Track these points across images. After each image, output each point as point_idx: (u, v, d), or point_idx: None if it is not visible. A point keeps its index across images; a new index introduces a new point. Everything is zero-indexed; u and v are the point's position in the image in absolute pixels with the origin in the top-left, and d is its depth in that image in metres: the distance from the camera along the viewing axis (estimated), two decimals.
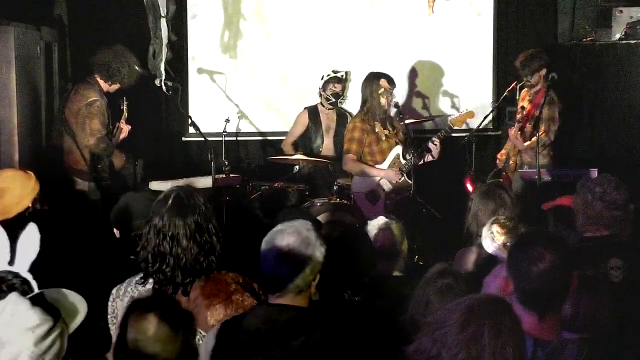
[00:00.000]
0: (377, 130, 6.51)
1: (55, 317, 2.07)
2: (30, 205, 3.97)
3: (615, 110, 7.54)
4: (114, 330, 3.20)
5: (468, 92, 7.91)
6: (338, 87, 7.20)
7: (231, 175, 6.71)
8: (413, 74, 7.93)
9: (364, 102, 6.58)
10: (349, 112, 7.39)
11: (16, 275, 2.19)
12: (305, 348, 2.58)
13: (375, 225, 4.14)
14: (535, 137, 6.11)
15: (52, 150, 6.58)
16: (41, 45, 6.74)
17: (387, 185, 6.53)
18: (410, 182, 6.27)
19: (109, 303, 3.23)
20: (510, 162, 6.66)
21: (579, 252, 3.61)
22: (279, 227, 2.81)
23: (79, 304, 2.25)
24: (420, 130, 7.53)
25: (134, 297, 3.14)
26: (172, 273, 3.07)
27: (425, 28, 7.90)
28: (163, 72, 6.63)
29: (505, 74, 7.91)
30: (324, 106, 7.27)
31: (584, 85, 7.69)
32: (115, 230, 3.99)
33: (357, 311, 3.23)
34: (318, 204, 6.31)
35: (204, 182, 6.37)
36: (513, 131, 6.59)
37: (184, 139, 7.80)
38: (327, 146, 7.24)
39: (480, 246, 3.92)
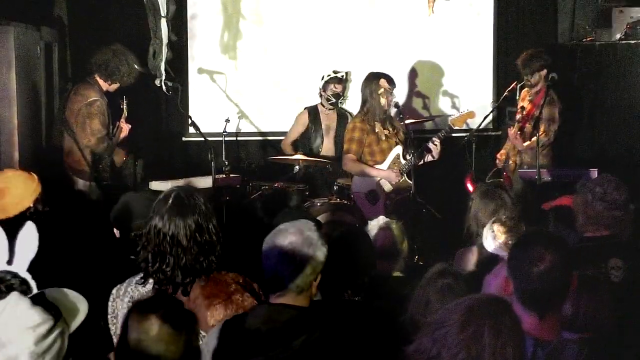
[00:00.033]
0: (377, 130, 6.51)
1: (56, 317, 2.07)
2: (31, 205, 3.97)
3: (615, 110, 7.54)
4: (114, 330, 3.20)
5: (468, 92, 7.91)
6: (338, 88, 7.20)
7: (231, 175, 6.71)
8: (413, 74, 7.93)
9: (363, 102, 6.58)
10: (349, 112, 7.39)
11: (15, 275, 2.19)
12: (306, 348, 2.58)
13: (375, 224, 4.15)
14: (535, 138, 6.11)
15: (52, 150, 6.58)
16: (41, 45, 6.74)
17: (387, 186, 6.53)
18: (410, 182, 6.27)
19: (109, 303, 3.23)
20: (510, 162, 6.66)
21: (579, 252, 3.61)
22: (281, 226, 2.82)
23: (80, 304, 2.25)
24: (421, 130, 7.53)
25: (134, 297, 3.15)
26: (172, 273, 3.07)
27: (425, 28, 7.90)
28: (163, 72, 6.64)
29: (505, 74, 7.91)
30: (324, 106, 7.27)
31: (584, 85, 7.69)
32: (115, 230, 3.99)
33: (357, 311, 3.23)
34: (318, 204, 6.31)
35: (204, 182, 6.37)
36: (512, 131, 6.59)
37: (184, 139, 7.80)
38: (327, 146, 7.24)
39: (481, 246, 3.92)
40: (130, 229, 3.82)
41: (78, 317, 2.20)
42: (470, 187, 6.56)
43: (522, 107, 6.69)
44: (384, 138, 6.53)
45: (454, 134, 6.91)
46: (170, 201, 3.10)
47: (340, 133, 7.07)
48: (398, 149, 6.54)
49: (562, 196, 4.47)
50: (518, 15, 8.10)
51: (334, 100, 7.18)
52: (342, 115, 7.30)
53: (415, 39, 7.89)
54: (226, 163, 6.69)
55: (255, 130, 7.91)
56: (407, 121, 6.57)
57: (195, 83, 7.75)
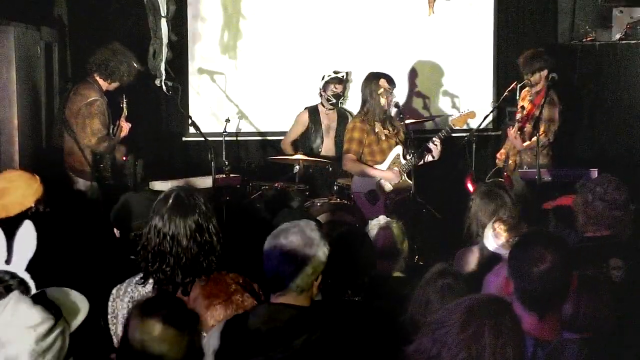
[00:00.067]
0: (377, 130, 6.51)
1: (57, 316, 2.07)
2: (33, 205, 3.98)
3: (615, 110, 7.54)
4: (114, 330, 3.20)
5: (468, 92, 7.91)
6: (339, 88, 7.20)
7: (231, 175, 6.71)
8: (413, 74, 7.93)
9: (363, 102, 6.58)
10: (349, 112, 7.39)
11: (13, 276, 2.19)
12: (306, 347, 2.58)
13: (376, 224, 4.15)
14: (535, 138, 6.11)
15: (53, 151, 6.58)
16: (41, 45, 6.74)
17: (387, 185, 6.53)
18: (410, 182, 6.27)
19: (109, 303, 3.23)
20: (510, 161, 6.66)
21: (579, 252, 3.61)
22: (283, 226, 2.82)
23: (81, 303, 2.25)
24: (421, 130, 7.53)
25: (134, 298, 3.15)
26: (172, 272, 3.07)
27: (425, 28, 7.90)
28: (163, 72, 6.64)
29: (505, 74, 7.91)
30: (324, 106, 7.27)
31: (584, 85, 7.69)
32: (115, 230, 3.99)
33: (357, 311, 3.23)
34: (318, 204, 6.31)
35: (204, 182, 6.38)
36: (512, 131, 6.59)
37: (184, 139, 7.80)
38: (327, 146, 7.24)
39: (482, 245, 3.92)
40: (131, 229, 3.82)
41: (79, 317, 2.20)
42: (470, 187, 6.56)
43: (522, 107, 6.69)
44: (384, 138, 6.53)
45: (454, 134, 6.90)
46: (170, 201, 3.10)
47: (340, 133, 7.07)
48: (398, 149, 6.54)
49: (562, 196, 4.47)
50: (518, 15, 8.10)
51: (334, 100, 7.18)
52: (343, 115, 7.30)
53: (415, 39, 7.90)
54: (226, 163, 6.69)
55: (255, 130, 7.91)
56: (407, 121, 6.57)
57: (195, 83, 7.75)
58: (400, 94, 7.28)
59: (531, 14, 8.08)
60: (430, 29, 7.89)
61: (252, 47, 7.79)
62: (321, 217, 5.90)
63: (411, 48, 7.89)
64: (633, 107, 7.39)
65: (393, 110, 6.45)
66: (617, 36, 7.47)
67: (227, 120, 7.04)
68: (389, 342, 2.84)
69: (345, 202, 6.46)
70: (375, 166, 6.54)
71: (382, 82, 6.43)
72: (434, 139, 6.48)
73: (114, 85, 6.43)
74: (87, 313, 2.24)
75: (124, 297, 3.18)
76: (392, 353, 2.60)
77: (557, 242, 2.73)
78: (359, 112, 6.65)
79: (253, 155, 7.88)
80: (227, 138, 6.99)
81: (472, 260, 4.00)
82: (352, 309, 3.26)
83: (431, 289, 3.09)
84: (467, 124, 7.01)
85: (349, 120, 6.91)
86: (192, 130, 6.71)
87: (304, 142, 7.32)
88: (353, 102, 7.40)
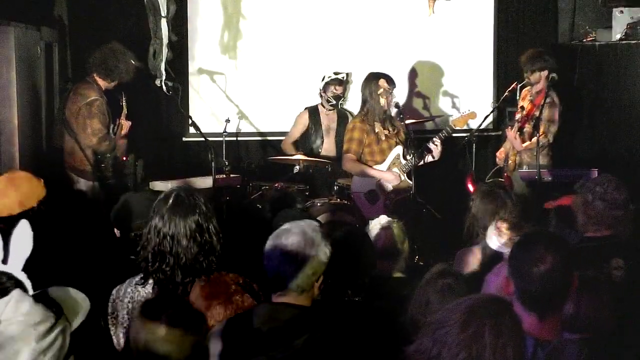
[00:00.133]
0: (377, 130, 6.51)
1: (58, 314, 2.07)
2: (35, 206, 3.99)
3: (615, 110, 7.54)
4: (113, 331, 3.20)
5: (468, 92, 7.91)
6: (339, 90, 7.20)
7: (231, 175, 6.71)
8: (413, 74, 7.93)
9: (363, 102, 6.58)
10: (349, 112, 7.39)
11: (10, 277, 2.19)
12: (307, 347, 2.58)
13: (377, 224, 4.14)
14: (535, 139, 6.12)
15: (53, 151, 6.58)
16: (41, 45, 6.73)
17: (387, 185, 6.53)
18: (410, 182, 6.27)
19: (109, 304, 3.23)
20: (510, 161, 6.66)
21: (579, 253, 3.60)
22: (285, 226, 2.83)
23: (82, 302, 2.25)
24: (421, 130, 7.53)
25: (134, 298, 3.15)
26: (172, 272, 3.07)
27: (425, 28, 7.90)
28: (163, 72, 6.63)
29: (505, 74, 7.92)
30: (324, 107, 7.27)
31: (584, 85, 7.69)
32: (115, 230, 3.99)
33: (357, 311, 3.23)
34: (318, 204, 6.31)
35: (205, 182, 6.38)
36: (511, 132, 6.59)
37: (184, 139, 7.79)
38: (327, 146, 7.24)
39: (483, 245, 3.92)
40: (131, 228, 3.82)
41: (80, 315, 2.21)
42: (470, 187, 6.56)
43: (522, 108, 6.69)
44: (383, 138, 6.53)
45: (454, 134, 6.91)
46: (170, 201, 3.10)
47: (340, 133, 7.07)
48: (398, 149, 6.54)
49: (563, 196, 4.47)
50: (518, 15, 8.11)
51: (334, 102, 7.19)
52: (343, 115, 7.30)
53: (415, 39, 7.90)
54: (226, 163, 6.69)
55: (255, 130, 7.91)
56: (408, 121, 6.56)
57: (195, 83, 7.75)
58: (400, 94, 7.29)
59: (531, 14, 8.09)
60: (430, 29, 7.89)
61: (252, 47, 7.79)
62: (321, 217, 5.89)
63: (411, 48, 7.89)
64: (633, 107, 7.39)
65: (393, 111, 6.45)
66: (617, 36, 7.47)
67: (227, 121, 7.04)
68: (389, 342, 2.84)
69: (346, 202, 6.46)
70: (375, 166, 6.54)
71: (382, 82, 6.43)
72: (434, 139, 6.48)
73: (114, 84, 6.44)
74: (88, 312, 2.24)
75: (124, 297, 3.18)
76: (392, 353, 2.60)
77: (557, 242, 2.72)
78: (359, 112, 6.65)
79: (253, 156, 7.88)
80: (227, 138, 7.00)
81: (473, 260, 4.00)
82: (352, 309, 3.26)
83: (431, 289, 3.09)
84: (468, 125, 7.01)
85: (349, 121, 6.91)
86: (192, 130, 6.70)
87: (304, 143, 7.32)
88: (353, 102, 7.40)
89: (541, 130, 6.22)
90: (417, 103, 7.97)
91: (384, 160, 6.54)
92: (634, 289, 3.55)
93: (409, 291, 3.23)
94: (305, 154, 6.87)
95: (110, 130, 6.40)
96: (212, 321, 2.98)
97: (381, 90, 6.42)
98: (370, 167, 6.53)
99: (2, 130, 6.12)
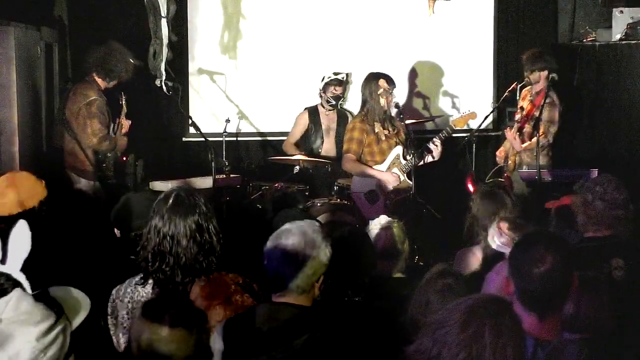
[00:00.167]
0: (377, 130, 6.51)
1: (58, 313, 2.07)
2: (36, 206, 4.00)
3: (615, 110, 7.54)
4: (113, 331, 3.20)
5: (468, 92, 7.92)
6: (338, 90, 7.21)
7: (231, 175, 6.71)
8: (413, 74, 7.93)
9: (363, 102, 6.58)
10: (349, 112, 7.40)
11: (8, 277, 2.18)
12: (307, 347, 2.58)
13: (377, 224, 4.14)
14: (535, 139, 6.12)
15: (53, 151, 6.58)
16: (41, 45, 6.74)
17: (387, 185, 6.53)
18: (410, 182, 6.27)
19: (109, 304, 3.23)
20: (509, 162, 6.65)
21: (579, 253, 3.60)
22: (285, 226, 2.83)
23: (83, 301, 2.25)
24: (421, 130, 7.53)
25: (134, 298, 3.15)
26: (171, 272, 3.07)
27: (425, 28, 7.90)
28: (163, 73, 6.63)
29: (505, 74, 7.93)
30: (324, 107, 7.27)
31: (584, 85, 7.69)
32: (116, 230, 3.99)
33: (357, 311, 3.23)
34: (318, 204, 6.31)
35: (205, 182, 6.38)
36: (511, 133, 6.59)
37: (184, 139, 7.79)
38: (327, 147, 7.24)
39: (484, 245, 3.92)
40: (131, 228, 3.82)
41: (80, 315, 2.20)
42: (471, 187, 6.56)
43: (522, 108, 6.69)
44: (383, 138, 6.53)
45: (454, 134, 6.91)
46: (170, 201, 3.10)
47: (340, 133, 7.07)
48: (398, 149, 6.54)
49: (564, 196, 4.47)
50: (518, 15, 8.11)
51: (333, 102, 7.19)
52: (343, 115, 7.30)
53: (415, 39, 7.90)
54: (226, 163, 6.69)
55: (255, 130, 7.91)
56: (408, 121, 6.56)
57: (195, 83, 7.75)
58: (400, 94, 7.29)
59: (531, 14, 8.09)
60: (430, 29, 7.89)
61: (252, 47, 7.79)
62: (321, 218, 5.90)
63: (411, 48, 7.89)
64: (633, 107, 7.39)
65: (393, 111, 6.45)
66: (617, 36, 7.47)
67: (227, 121, 7.04)
68: (389, 343, 2.84)
69: (346, 202, 6.46)
70: (375, 166, 6.54)
71: (382, 82, 6.43)
72: (434, 139, 6.48)
73: (113, 83, 6.44)
74: (88, 311, 2.24)
75: (124, 297, 3.18)
76: (392, 353, 2.60)
77: (557, 242, 2.72)
78: (359, 113, 6.65)
79: (253, 156, 7.88)
80: (227, 138, 7.00)
81: (473, 260, 4.01)
82: (352, 309, 3.26)
83: (431, 289, 3.09)
84: (468, 125, 7.01)
85: (349, 121, 6.92)
86: (192, 130, 6.71)
87: (304, 143, 7.32)
88: (353, 103, 7.39)
89: (541, 130, 6.22)
90: (417, 103, 7.97)
91: (384, 160, 6.54)
92: (634, 289, 3.55)
93: (409, 291, 3.23)
94: (305, 154, 6.88)
95: (111, 130, 6.40)
96: (212, 321, 2.98)
97: (381, 90, 6.42)
98: (370, 167, 6.53)
99: (2, 130, 6.12)
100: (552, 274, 2.60)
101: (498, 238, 3.79)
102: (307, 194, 6.64)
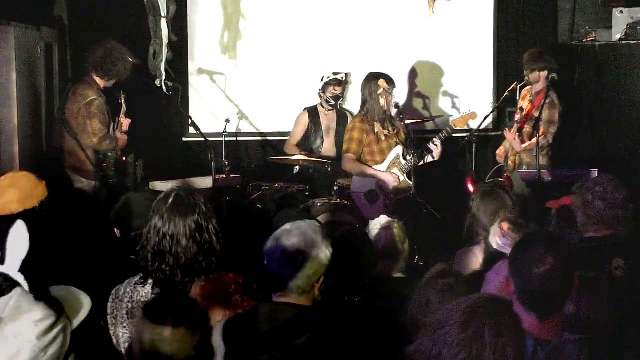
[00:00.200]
0: (376, 130, 6.51)
1: (59, 312, 2.08)
2: (36, 206, 4.00)
3: (615, 110, 7.54)
4: (113, 331, 3.20)
5: (468, 92, 7.91)
6: (338, 90, 7.21)
7: (231, 175, 6.71)
8: (413, 74, 7.93)
9: (363, 102, 6.59)
10: (349, 112, 7.40)
11: (6, 278, 2.19)
12: (308, 347, 2.58)
13: (377, 224, 4.14)
14: (535, 140, 6.12)
15: (53, 151, 6.58)
16: (41, 45, 6.73)
17: (387, 185, 6.53)
18: (410, 182, 6.27)
19: (109, 304, 3.23)
20: (509, 161, 6.66)
21: (580, 253, 3.60)
22: (286, 226, 2.83)
23: (83, 301, 2.25)
24: (421, 130, 7.53)
25: (134, 298, 3.15)
26: (171, 272, 3.07)
27: (425, 28, 7.90)
28: (163, 73, 6.63)
29: (505, 74, 7.92)
30: (323, 107, 7.27)
31: (584, 85, 7.69)
32: (116, 230, 3.99)
33: (358, 311, 3.23)
34: (318, 204, 6.31)
35: (205, 182, 6.38)
36: (511, 133, 6.58)
37: (184, 139, 7.79)
38: (327, 146, 7.24)
39: (484, 245, 3.92)
40: (131, 228, 3.82)
41: (81, 314, 2.21)
42: (471, 187, 6.56)
43: (521, 109, 6.69)
44: (383, 138, 6.53)
45: (454, 134, 6.91)
46: (170, 200, 3.10)
47: (340, 133, 7.08)
48: (398, 149, 6.54)
49: (565, 196, 4.47)
50: (518, 15, 8.11)
51: (333, 102, 7.20)
52: (342, 115, 7.31)
53: (415, 39, 7.90)
54: (226, 163, 6.69)
55: (255, 130, 7.90)
56: (408, 121, 6.56)
57: (195, 83, 7.75)
58: (400, 94, 7.29)
59: (531, 14, 8.09)
60: (430, 29, 7.89)
61: (252, 47, 7.78)
62: (321, 218, 5.90)
63: (411, 48, 7.89)
64: (633, 107, 7.39)
65: (393, 111, 6.45)
66: (617, 36, 7.47)
67: (227, 121, 7.04)
68: (389, 343, 2.84)
69: (346, 202, 6.46)
70: (375, 166, 6.54)
71: (382, 82, 6.43)
72: (434, 139, 6.48)
73: (112, 82, 6.45)
74: (89, 311, 2.24)
75: (124, 297, 3.18)
76: (392, 353, 2.60)
77: (557, 243, 2.72)
78: (359, 113, 6.65)
79: (253, 156, 7.88)
80: (227, 138, 6.99)
81: (473, 260, 4.01)
82: (352, 309, 3.26)
83: (431, 289, 3.09)
84: (468, 125, 7.01)
85: (349, 121, 6.92)
86: (192, 130, 6.71)
87: (304, 143, 7.32)
88: (353, 102, 7.39)
89: (541, 131, 6.22)
90: (417, 103, 7.97)
91: (383, 160, 6.55)
92: (634, 289, 3.55)
93: (409, 291, 3.23)
94: (305, 154, 6.87)
95: (111, 129, 6.40)
96: (212, 321, 2.98)
97: (381, 90, 6.42)
98: (370, 167, 6.53)
99: (2, 130, 6.12)
100: (553, 274, 2.59)
101: (500, 238, 3.78)
102: (307, 194, 6.64)
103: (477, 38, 8.00)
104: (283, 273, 2.75)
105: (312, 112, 7.31)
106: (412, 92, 7.95)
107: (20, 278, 2.16)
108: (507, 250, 3.64)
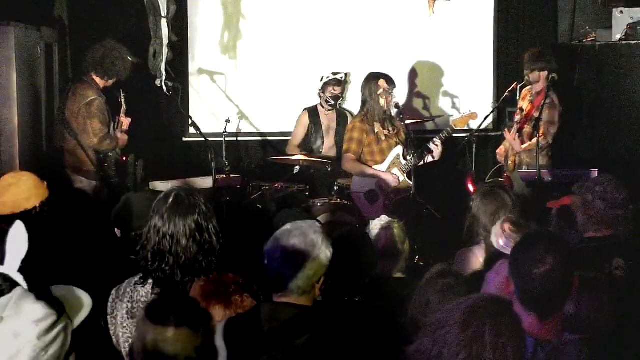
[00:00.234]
0: (376, 130, 6.51)
1: (60, 312, 2.08)
2: (37, 206, 4.00)
3: (615, 110, 7.53)
4: (113, 331, 3.20)
5: (468, 92, 7.91)
6: (337, 90, 7.21)
7: (231, 175, 6.71)
8: (413, 74, 7.93)
9: (363, 102, 6.59)
10: (349, 112, 7.40)
11: (5, 278, 2.19)
12: (308, 347, 2.58)
13: (377, 224, 4.15)
14: (535, 140, 6.12)
15: (53, 151, 6.58)
16: (41, 45, 6.73)
17: (387, 185, 6.53)
18: (410, 182, 6.28)
19: (109, 304, 3.23)
20: (509, 161, 6.66)
21: (580, 253, 3.60)
22: (286, 227, 2.83)
23: (84, 300, 2.25)
24: (421, 130, 7.53)
25: (134, 298, 3.15)
26: (171, 272, 3.07)
27: (425, 28, 7.90)
28: (163, 73, 6.63)
29: (505, 74, 7.92)
30: (323, 107, 7.27)
31: (584, 85, 7.69)
32: (116, 230, 3.99)
33: (358, 311, 3.23)
34: (318, 204, 6.31)
35: (205, 182, 6.38)
36: (510, 133, 6.58)
37: (184, 139, 7.79)
38: (327, 147, 7.24)
39: (484, 245, 3.92)
40: (131, 228, 3.82)
41: (81, 313, 2.21)
42: (471, 187, 6.56)
43: (521, 109, 6.69)
44: (383, 138, 6.53)
45: (454, 135, 6.91)
46: (170, 200, 3.10)
47: (340, 133, 7.08)
48: (398, 149, 6.54)
49: (565, 196, 4.47)
50: (518, 15, 8.11)
51: (332, 102, 7.20)
52: (342, 115, 7.31)
53: (415, 39, 7.90)
54: (226, 163, 6.69)
55: (256, 130, 7.91)
56: (408, 121, 6.56)
57: (196, 83, 7.75)
58: (400, 94, 7.29)
59: (531, 14, 8.09)
60: (430, 29, 7.89)
61: (252, 47, 7.79)
62: (321, 218, 5.90)
63: (411, 48, 7.89)
64: (633, 107, 7.38)
65: (393, 111, 6.45)
66: (617, 36, 7.47)
67: (227, 121, 7.04)
68: (389, 343, 2.84)
69: (346, 202, 6.46)
70: (375, 166, 6.54)
71: (382, 82, 6.43)
72: (434, 139, 6.48)
73: (112, 82, 6.45)
74: (89, 310, 2.25)
75: (124, 297, 3.18)
76: (392, 353, 2.60)
77: (558, 243, 2.72)
78: (359, 113, 6.65)
79: (253, 156, 7.88)
80: (227, 138, 6.99)
81: (473, 260, 4.01)
82: (352, 309, 3.26)
83: (431, 289, 3.09)
84: (468, 125, 7.01)
85: (349, 121, 6.92)
86: (192, 130, 6.71)
87: (304, 143, 7.32)
88: (353, 102, 7.39)
89: (541, 131, 6.22)
90: (417, 103, 7.97)
91: (383, 160, 6.55)
92: (634, 289, 3.55)
93: (409, 291, 3.23)
94: (305, 154, 6.87)
95: (111, 129, 6.40)
96: (213, 321, 2.98)
97: (381, 90, 6.42)
98: (370, 167, 6.53)
99: (2, 130, 6.12)
100: (553, 274, 2.59)
101: (501, 239, 3.78)
102: (307, 194, 6.64)
103: (477, 38, 8.00)
104: (283, 273, 2.75)
105: (312, 112, 7.31)
106: (412, 92, 7.95)
107: (19, 278, 2.16)
108: (508, 251, 3.64)
